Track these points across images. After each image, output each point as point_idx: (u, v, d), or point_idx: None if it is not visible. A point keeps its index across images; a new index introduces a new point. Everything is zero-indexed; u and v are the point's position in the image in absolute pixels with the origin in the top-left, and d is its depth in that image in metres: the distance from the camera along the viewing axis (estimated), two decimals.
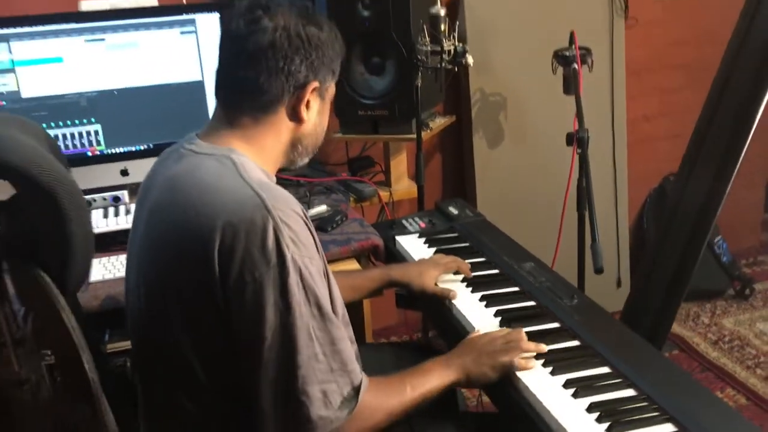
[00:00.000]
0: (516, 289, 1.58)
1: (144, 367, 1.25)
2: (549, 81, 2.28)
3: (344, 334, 1.13)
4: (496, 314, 1.48)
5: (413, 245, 1.87)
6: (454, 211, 2.05)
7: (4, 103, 1.96)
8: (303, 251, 1.08)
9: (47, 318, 0.92)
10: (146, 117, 2.04)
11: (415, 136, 2.18)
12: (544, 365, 1.28)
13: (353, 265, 1.88)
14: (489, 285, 1.61)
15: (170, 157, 1.22)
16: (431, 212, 2.10)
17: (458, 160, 2.85)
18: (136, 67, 2.02)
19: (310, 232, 1.13)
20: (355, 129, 2.32)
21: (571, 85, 2.20)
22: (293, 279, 1.05)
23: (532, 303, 1.52)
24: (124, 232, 1.73)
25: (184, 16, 2.03)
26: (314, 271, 1.09)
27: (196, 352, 1.11)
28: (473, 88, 2.69)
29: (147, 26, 2.01)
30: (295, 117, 1.20)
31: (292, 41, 1.15)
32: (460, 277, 1.64)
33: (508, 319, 1.44)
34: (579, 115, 2.03)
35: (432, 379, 1.24)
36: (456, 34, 2.02)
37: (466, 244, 1.84)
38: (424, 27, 2.01)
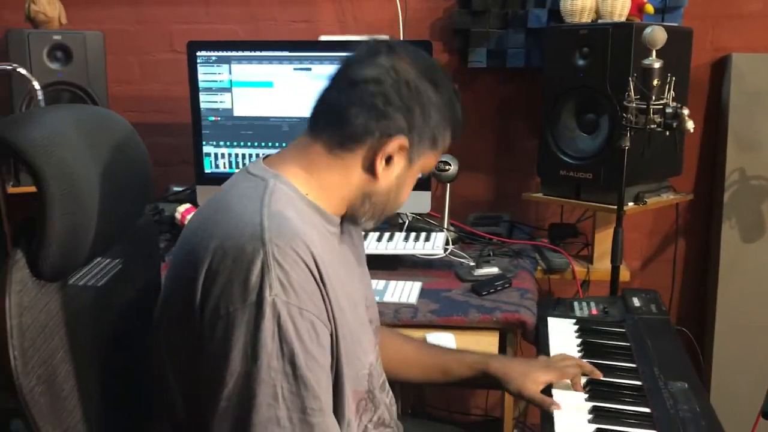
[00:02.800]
0: (645, 410, 1.22)
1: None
2: None
3: (324, 408, 0.94)
4: None
5: (560, 331, 1.57)
6: (637, 303, 1.69)
7: (219, 118, 2.14)
8: (291, 298, 0.92)
9: None
10: None
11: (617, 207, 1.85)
12: None
13: (492, 338, 1.64)
14: (613, 397, 1.27)
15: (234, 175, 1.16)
16: (614, 299, 1.76)
17: (701, 247, 2.38)
18: None
19: (317, 281, 0.96)
20: (555, 190, 2.06)
21: None
22: (267, 326, 0.90)
23: None
24: None
25: None
26: (302, 325, 0.92)
27: (178, 387, 1.02)
28: (730, 167, 2.22)
29: None
30: (371, 168, 1.06)
31: (399, 85, 1.03)
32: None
33: None
34: None
35: None
36: (672, 94, 1.66)
37: (624, 344, 1.49)
38: (631, 81, 1.69)
